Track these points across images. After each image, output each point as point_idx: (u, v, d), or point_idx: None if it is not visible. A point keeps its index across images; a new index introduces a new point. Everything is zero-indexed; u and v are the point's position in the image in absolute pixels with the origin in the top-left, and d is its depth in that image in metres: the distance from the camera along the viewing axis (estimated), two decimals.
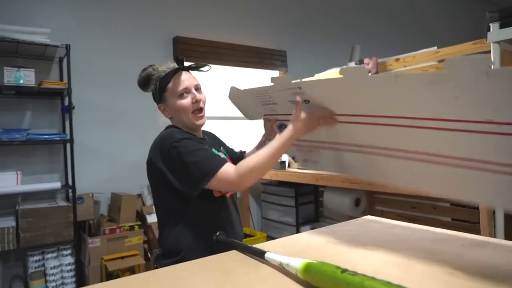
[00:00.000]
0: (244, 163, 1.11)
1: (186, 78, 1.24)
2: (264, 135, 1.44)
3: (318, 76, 3.54)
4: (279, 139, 1.12)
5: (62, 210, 2.66)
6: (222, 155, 1.35)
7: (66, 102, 2.87)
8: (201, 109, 1.25)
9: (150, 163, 1.20)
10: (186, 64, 1.27)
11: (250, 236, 3.53)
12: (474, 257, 0.85)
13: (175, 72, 1.23)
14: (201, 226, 1.19)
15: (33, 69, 2.61)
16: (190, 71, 1.28)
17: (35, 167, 2.90)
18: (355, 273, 0.65)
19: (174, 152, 1.13)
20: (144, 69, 1.27)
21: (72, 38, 2.86)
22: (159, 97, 1.26)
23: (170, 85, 1.23)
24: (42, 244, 2.59)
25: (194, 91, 1.24)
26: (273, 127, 1.35)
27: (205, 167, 1.11)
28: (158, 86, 1.24)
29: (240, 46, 3.98)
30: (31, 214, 2.53)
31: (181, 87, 1.22)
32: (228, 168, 1.11)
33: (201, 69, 1.28)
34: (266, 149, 1.12)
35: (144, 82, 1.27)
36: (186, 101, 1.22)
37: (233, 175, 1.10)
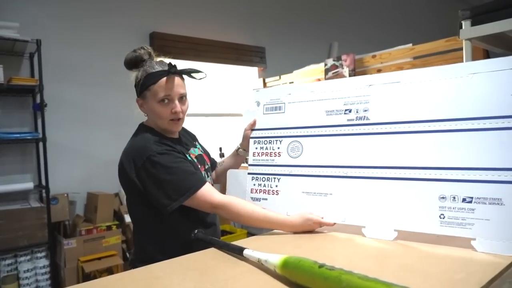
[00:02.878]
0: (237, 205, 1.09)
1: (173, 86, 1.14)
2: (240, 144, 1.39)
3: (297, 73, 3.55)
4: (281, 223, 1.08)
5: (35, 211, 2.57)
6: (199, 151, 1.33)
7: (38, 100, 2.77)
8: (178, 119, 1.18)
9: (123, 170, 1.14)
10: (181, 66, 1.18)
11: (230, 233, 3.52)
12: (449, 248, 0.87)
13: (165, 75, 1.14)
14: (178, 228, 1.15)
15: (1, 65, 2.50)
16: (183, 75, 1.19)
17: (6, 167, 2.79)
18: (332, 268, 0.65)
19: (149, 167, 1.08)
20: (135, 50, 1.18)
21: (43, 33, 2.76)
22: (140, 92, 1.18)
23: (154, 86, 1.13)
24: (15, 247, 2.50)
25: (176, 101, 1.15)
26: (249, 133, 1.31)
27: (182, 187, 1.07)
28: (142, 81, 1.15)
29: (218, 42, 3.95)
30: (2, 216, 2.43)
31: (164, 94, 1.13)
32: (207, 190, 1.09)
33: (194, 75, 1.20)
34: (264, 218, 1.08)
35: (132, 63, 1.18)
36: (165, 110, 1.14)
37: (216, 199, 1.09)
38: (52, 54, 2.88)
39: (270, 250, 0.80)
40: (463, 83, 0.92)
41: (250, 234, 3.55)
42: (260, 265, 0.80)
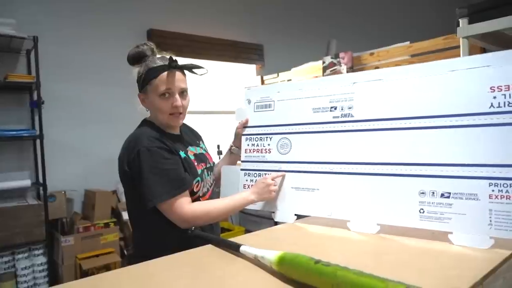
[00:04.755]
0: (202, 208, 1.14)
1: (174, 80, 1.16)
2: (232, 142, 1.41)
3: (295, 70, 3.55)
4: (240, 200, 1.18)
5: (32, 208, 2.57)
6: (201, 150, 1.33)
7: (35, 97, 2.76)
8: (179, 113, 1.20)
9: (120, 160, 1.17)
10: (180, 63, 1.20)
11: (228, 230, 3.53)
12: (444, 244, 0.87)
13: (166, 69, 1.15)
14: (175, 224, 1.14)
15: None
16: (184, 70, 1.21)
17: (3, 164, 2.79)
18: (328, 264, 0.65)
19: (137, 161, 1.10)
20: (138, 46, 1.21)
21: (40, 30, 2.75)
22: (141, 86, 1.20)
23: (155, 80, 1.15)
24: (12, 245, 2.50)
25: (177, 95, 1.17)
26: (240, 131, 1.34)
27: (159, 191, 1.08)
28: (144, 76, 1.17)
29: (216, 39, 3.94)
30: None
31: (165, 87, 1.15)
32: (182, 202, 1.10)
33: (195, 71, 1.21)
34: (227, 203, 1.17)
35: (134, 59, 1.20)
36: (165, 103, 1.16)
37: (186, 212, 1.10)
38: (49, 51, 2.86)
39: (267, 247, 0.80)
40: (442, 81, 0.93)
41: (247, 231, 3.56)
42: (256, 262, 0.80)
